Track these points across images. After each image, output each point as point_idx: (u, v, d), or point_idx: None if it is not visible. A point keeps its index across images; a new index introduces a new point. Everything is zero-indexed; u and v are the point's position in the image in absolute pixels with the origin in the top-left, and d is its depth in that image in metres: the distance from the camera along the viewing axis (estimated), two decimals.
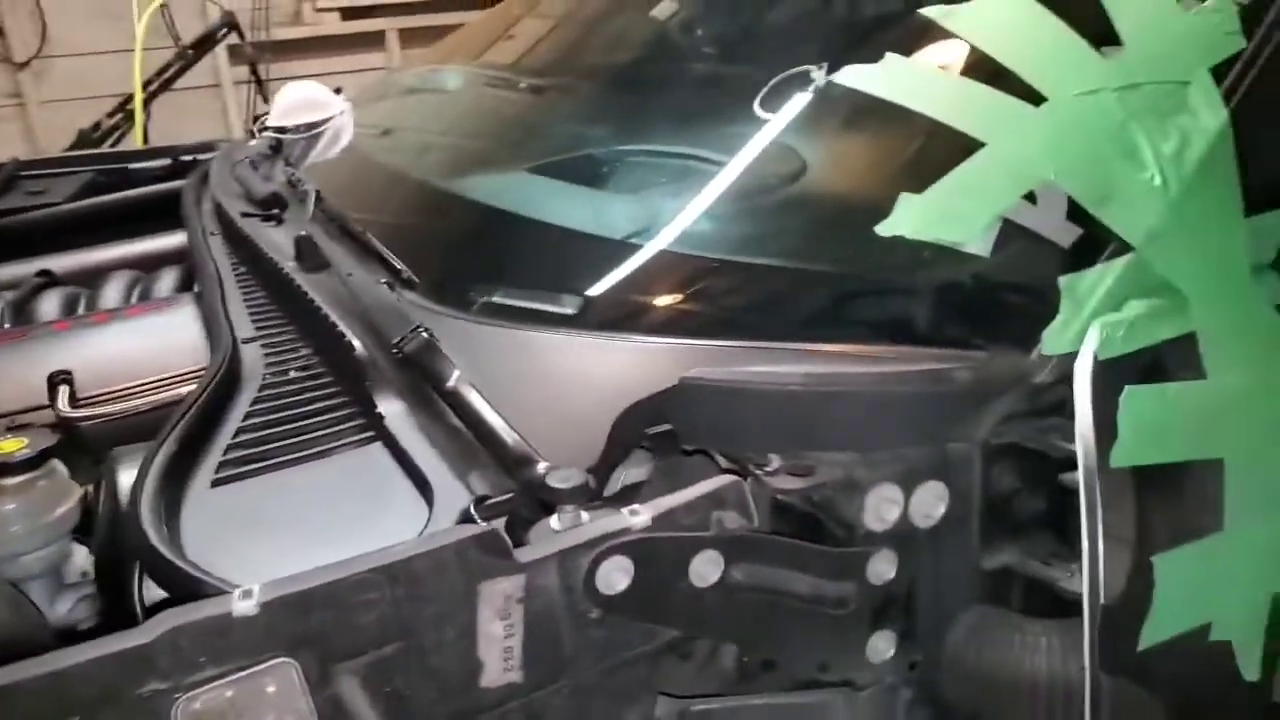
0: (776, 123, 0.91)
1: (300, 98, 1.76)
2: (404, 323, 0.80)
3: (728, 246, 0.85)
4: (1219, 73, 0.79)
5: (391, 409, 0.75)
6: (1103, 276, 0.72)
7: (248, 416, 0.79)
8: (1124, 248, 0.72)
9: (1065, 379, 0.68)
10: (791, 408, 0.69)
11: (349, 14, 4.54)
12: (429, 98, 1.58)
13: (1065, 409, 0.69)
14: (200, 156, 1.75)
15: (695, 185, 0.89)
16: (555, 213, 0.94)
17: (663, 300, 0.84)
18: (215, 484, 0.71)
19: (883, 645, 0.73)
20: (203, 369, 0.95)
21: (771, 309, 0.79)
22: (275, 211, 1.23)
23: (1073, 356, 0.68)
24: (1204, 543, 0.68)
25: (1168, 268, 0.72)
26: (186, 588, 0.58)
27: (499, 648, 0.60)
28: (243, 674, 0.53)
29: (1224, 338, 0.71)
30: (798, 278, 0.80)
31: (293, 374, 0.86)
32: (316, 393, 0.82)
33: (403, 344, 0.78)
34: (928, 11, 0.88)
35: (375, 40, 4.60)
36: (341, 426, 0.77)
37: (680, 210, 0.87)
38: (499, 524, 0.59)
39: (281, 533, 0.66)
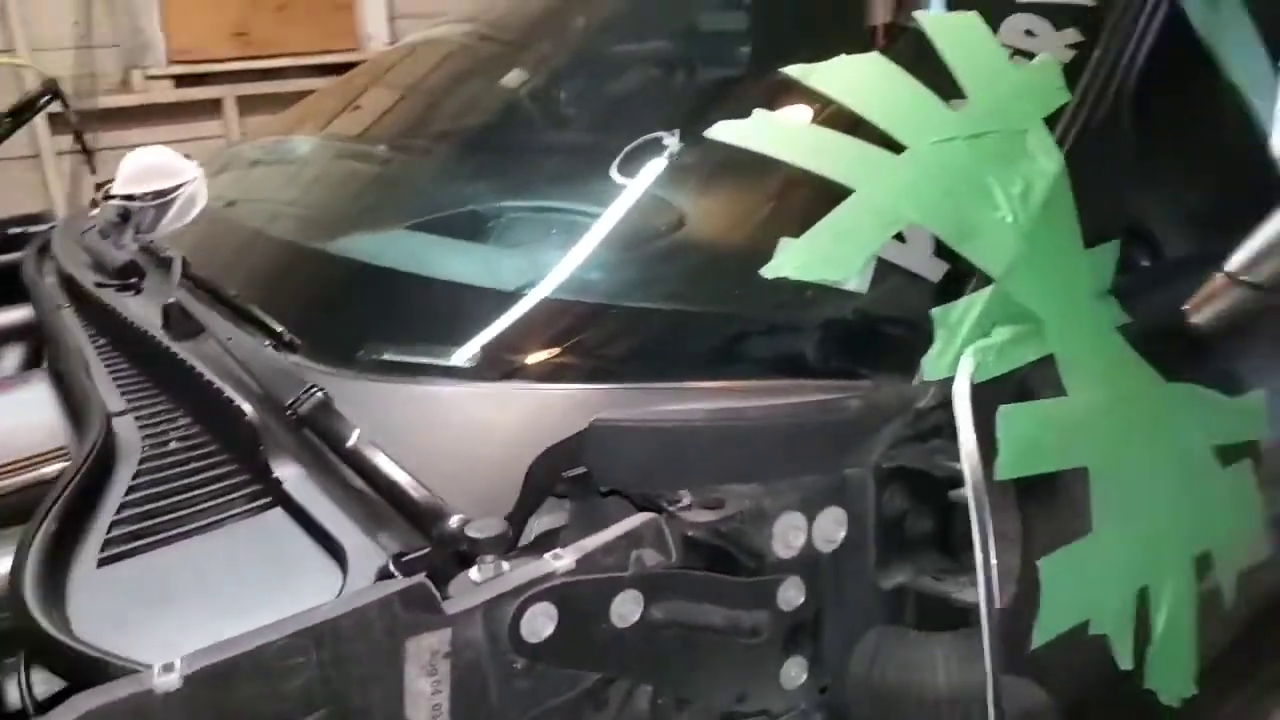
0: (658, 178, 0.95)
1: (148, 164, 1.69)
2: (296, 384, 0.78)
3: (621, 293, 0.88)
4: (1051, 122, 0.87)
5: (289, 473, 0.73)
6: (970, 307, 0.77)
7: (130, 491, 0.75)
8: (986, 280, 0.79)
9: (946, 402, 0.73)
10: (699, 443, 0.71)
11: (183, 81, 4.39)
12: (292, 163, 1.55)
13: (945, 430, 0.74)
14: (31, 229, 1.66)
15: (582, 237, 0.91)
16: (442, 268, 0.95)
17: (562, 347, 0.85)
18: (102, 563, 0.67)
19: (795, 671, 0.75)
20: (62, 449, 0.90)
21: (668, 351, 0.81)
22: (133, 280, 1.18)
23: (950, 381, 0.73)
24: (1076, 545, 0.74)
25: (1025, 296, 0.79)
26: (89, 671, 0.54)
27: (427, 705, 0.59)
28: None
29: (1076, 358, 0.78)
30: (691, 320, 0.83)
31: (173, 445, 0.82)
32: (202, 462, 0.79)
33: (297, 405, 0.76)
34: (789, 70, 0.94)
35: (211, 108, 4.45)
36: (234, 495, 0.74)
37: (568, 261, 0.89)
38: (422, 578, 0.59)
39: (183, 607, 0.62)
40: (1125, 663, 0.76)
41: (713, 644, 0.70)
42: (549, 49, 1.55)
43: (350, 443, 0.73)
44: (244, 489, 0.75)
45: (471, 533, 0.63)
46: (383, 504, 0.70)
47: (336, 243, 1.10)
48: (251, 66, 4.43)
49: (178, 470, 0.78)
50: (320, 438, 0.75)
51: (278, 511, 0.72)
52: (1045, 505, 0.74)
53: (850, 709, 0.79)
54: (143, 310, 1.06)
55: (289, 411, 0.76)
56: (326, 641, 0.54)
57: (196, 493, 0.74)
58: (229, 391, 0.80)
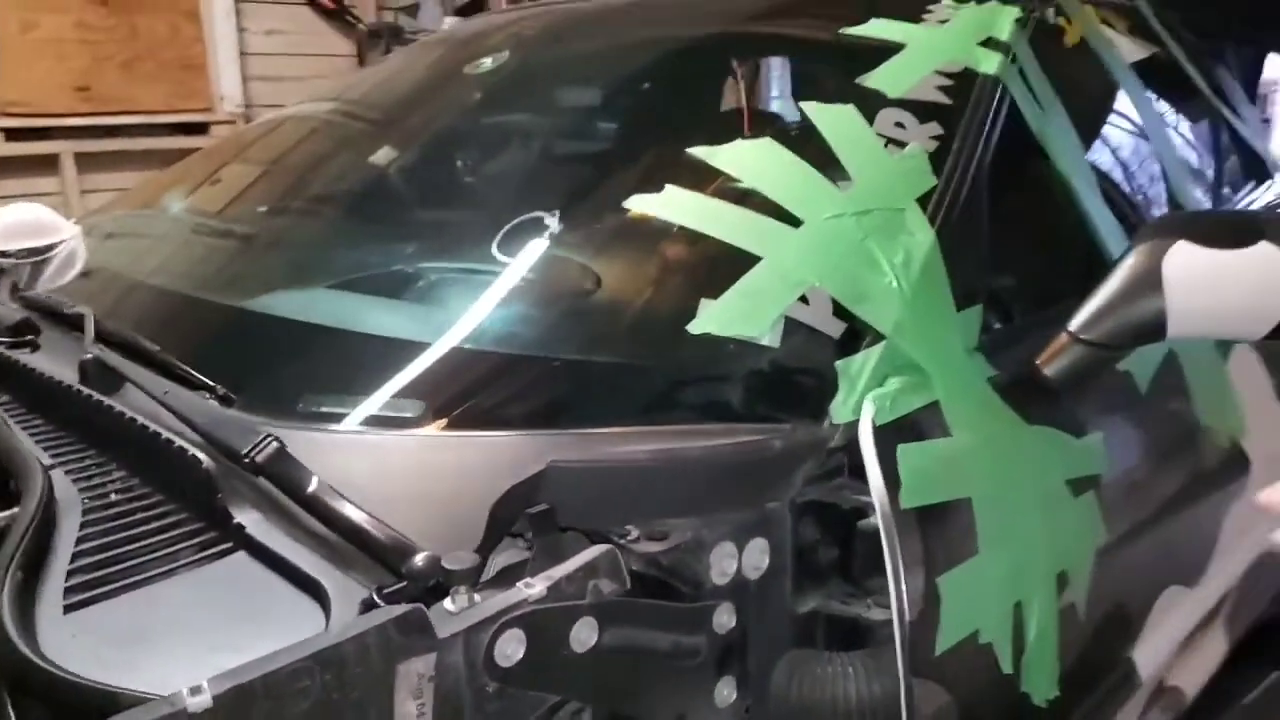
0: (573, 245, 1.04)
1: (21, 220, 1.65)
2: (248, 433, 0.81)
3: (561, 347, 0.95)
4: (923, 202, 1.01)
5: (251, 518, 0.76)
6: (867, 359, 0.89)
7: (80, 542, 0.75)
8: (879, 336, 0.90)
9: (852, 442, 0.83)
10: (645, 481, 0.79)
11: (16, 135, 4.18)
12: (190, 222, 1.55)
13: (849, 468, 0.85)
14: None
15: (514, 295, 0.98)
16: (376, 324, 0.99)
17: (507, 397, 0.92)
18: (68, 609, 0.68)
19: (727, 691, 0.82)
20: None
21: (608, 399, 0.89)
22: (29, 338, 1.16)
23: (855, 424, 0.84)
24: (966, 565, 0.85)
25: (911, 351, 0.91)
26: (91, 703, 0.56)
27: None
28: None
29: (955, 404, 0.91)
30: (630, 370, 0.92)
31: (114, 496, 0.83)
32: (149, 512, 0.80)
33: (254, 454, 0.79)
34: (695, 151, 1.06)
35: (47, 164, 4.25)
36: (191, 541, 0.76)
37: (500, 316, 0.96)
38: (419, 605, 0.63)
39: (165, 646, 0.64)
40: (1007, 667, 0.87)
41: (657, 666, 0.76)
42: (422, 128, 1.62)
43: (311, 489, 0.77)
44: (199, 536, 0.77)
45: (447, 564, 0.68)
46: (347, 546, 0.74)
47: (259, 300, 1.12)
48: (94, 123, 4.27)
49: (125, 520, 0.78)
50: (278, 485, 0.78)
51: (241, 556, 0.74)
52: (942, 530, 0.85)
53: None
54: (51, 367, 1.05)
55: (246, 459, 0.79)
56: (331, 665, 0.58)
57: (148, 541, 0.75)
58: (180, 441, 0.82)
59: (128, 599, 0.69)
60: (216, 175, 1.69)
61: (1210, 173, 1.67)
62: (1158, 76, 1.53)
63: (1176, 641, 1.22)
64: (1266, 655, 1.76)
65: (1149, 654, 1.14)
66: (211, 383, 0.94)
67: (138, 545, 0.75)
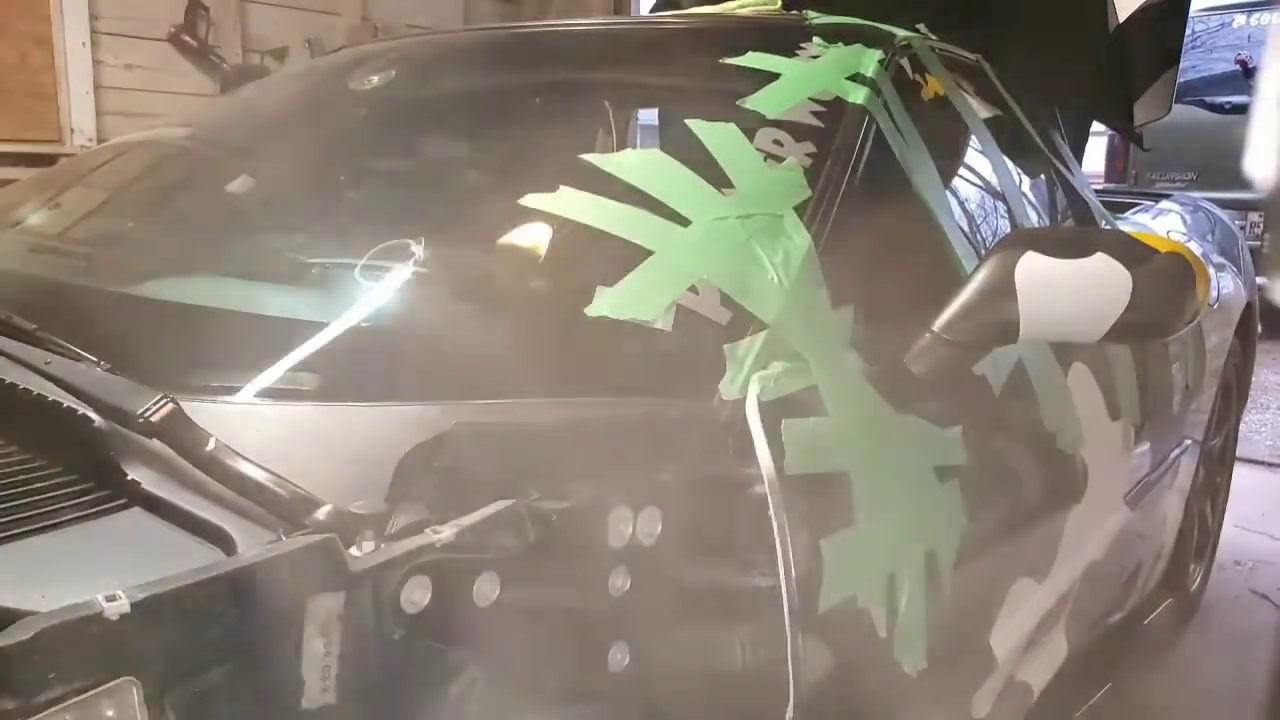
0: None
1: None
2: (141, 395, 0.79)
3: (470, 328, 0.97)
4: (800, 210, 1.09)
5: (148, 475, 0.74)
6: (752, 345, 0.94)
7: None
8: (761, 325, 0.96)
9: (739, 418, 0.88)
10: (548, 444, 0.81)
11: None
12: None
13: (739, 442, 0.89)
14: None
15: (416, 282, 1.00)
16: (272, 306, 0.99)
17: (405, 370, 0.93)
18: None
19: (620, 655, 0.84)
20: None
21: (515, 373, 0.91)
22: None
23: (742, 401, 0.89)
24: (844, 532, 0.91)
25: (791, 339, 0.97)
26: None
27: (319, 666, 0.63)
28: (86, 695, 0.51)
29: (832, 389, 0.97)
30: (538, 349, 0.94)
31: None
32: (28, 474, 0.77)
33: (148, 414, 0.77)
34: (588, 157, 1.11)
35: None
36: (79, 499, 0.73)
37: (403, 298, 0.98)
38: (332, 535, 0.63)
39: (56, 590, 0.62)
40: (882, 631, 0.93)
41: (556, 625, 0.78)
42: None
43: (209, 447, 0.76)
44: (87, 495, 0.74)
45: (355, 510, 0.68)
46: (248, 504, 0.73)
47: (145, 286, 1.09)
48: None
49: (2, 480, 0.75)
50: (173, 446, 0.77)
51: (135, 511, 0.72)
52: (821, 500, 0.90)
53: (659, 694, 0.89)
54: None
55: (140, 419, 0.77)
56: (243, 591, 0.57)
57: (34, 499, 0.72)
58: (68, 401, 0.79)
59: (4, 550, 0.66)
60: (63, 194, 1.63)
61: (1045, 211, 1.84)
62: (1002, 129, 1.70)
63: (1026, 633, 1.31)
64: (1100, 669, 1.91)
65: (1003, 641, 1.22)
66: (96, 359, 0.92)
67: (23, 501, 0.72)
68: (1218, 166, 5.35)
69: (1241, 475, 2.86)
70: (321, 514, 0.71)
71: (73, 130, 4.46)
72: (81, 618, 0.50)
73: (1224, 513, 2.73)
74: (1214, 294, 2.20)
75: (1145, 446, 1.73)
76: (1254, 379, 2.89)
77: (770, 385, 0.91)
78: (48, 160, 4.31)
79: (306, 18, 4.86)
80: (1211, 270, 2.24)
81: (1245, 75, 5.32)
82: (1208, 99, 5.56)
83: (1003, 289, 1.02)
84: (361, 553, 0.68)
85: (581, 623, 0.80)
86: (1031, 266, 1.02)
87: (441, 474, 0.75)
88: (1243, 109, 5.33)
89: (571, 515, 0.80)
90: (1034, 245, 1.04)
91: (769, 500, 0.83)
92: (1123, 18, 2.19)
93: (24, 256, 1.32)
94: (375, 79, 1.60)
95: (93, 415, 0.78)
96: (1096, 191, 2.44)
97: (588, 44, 1.67)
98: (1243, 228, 4.93)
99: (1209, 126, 5.46)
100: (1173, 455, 1.97)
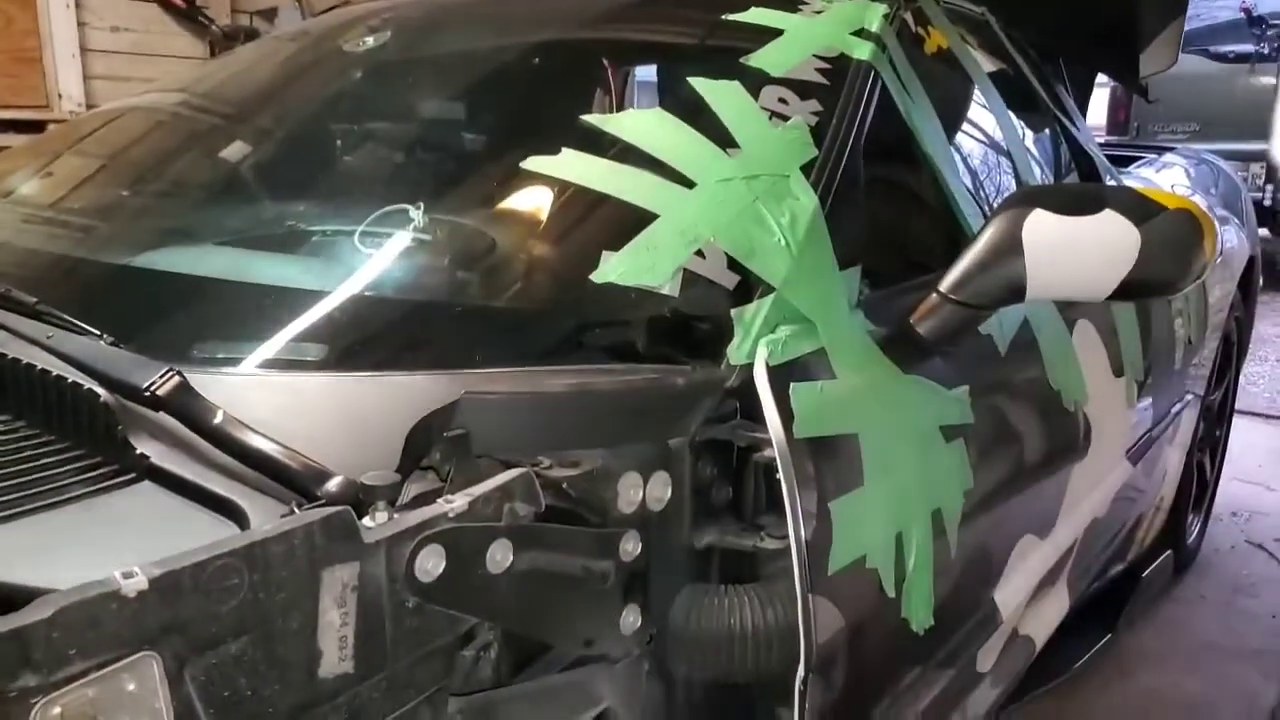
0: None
1: None
2: (147, 368, 0.79)
3: (472, 295, 0.97)
4: (806, 170, 1.08)
5: (156, 449, 0.74)
6: (759, 309, 0.94)
7: None
8: (769, 289, 0.96)
9: (748, 381, 0.88)
10: (557, 412, 0.81)
11: None
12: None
13: (743, 409, 0.89)
14: None
15: (425, 249, 0.99)
16: (277, 275, 0.98)
17: (425, 341, 0.93)
18: None
19: (632, 618, 0.85)
20: None
21: (522, 341, 0.91)
22: None
23: (750, 366, 0.89)
24: (853, 494, 0.91)
25: (799, 303, 0.96)
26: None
27: (335, 636, 0.63)
28: (106, 670, 0.51)
29: (839, 352, 0.97)
30: (544, 316, 0.94)
31: None
32: (36, 449, 0.77)
33: (154, 388, 0.77)
34: (589, 118, 1.10)
35: None
36: (88, 474, 0.73)
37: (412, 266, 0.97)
38: (345, 507, 0.63)
39: (69, 559, 0.62)
40: (891, 591, 0.93)
41: (567, 590, 0.79)
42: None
43: (216, 420, 0.75)
44: (96, 469, 0.74)
45: (367, 481, 0.68)
46: (258, 476, 0.73)
47: (144, 257, 1.08)
48: None
49: (11, 456, 0.75)
50: (181, 419, 0.76)
51: (146, 484, 0.72)
52: (832, 461, 0.90)
53: (669, 658, 0.89)
54: None
55: (146, 393, 0.77)
56: (258, 565, 0.58)
57: (44, 474, 0.72)
58: (74, 376, 0.78)
59: (17, 526, 0.66)
60: (56, 162, 1.61)
61: (1050, 167, 1.82)
62: (1006, 84, 1.68)
63: (1029, 589, 1.32)
64: (1099, 621, 1.93)
65: (1007, 596, 1.23)
66: (96, 330, 0.91)
67: (33, 478, 0.72)
68: (1221, 117, 5.31)
69: (1239, 426, 2.87)
70: (333, 485, 0.71)
71: (60, 95, 4.41)
72: (100, 595, 0.50)
73: (1222, 465, 2.75)
74: (1219, 248, 2.19)
75: (1147, 402, 1.73)
76: (1253, 331, 2.90)
77: (779, 349, 0.91)
78: (36, 126, 4.26)
79: None
80: (1217, 224, 2.23)
81: (1250, 24, 5.25)
82: (1211, 48, 5.49)
83: (1010, 248, 1.01)
84: (374, 523, 0.68)
85: (594, 587, 0.81)
86: (1039, 225, 1.01)
87: (453, 443, 0.75)
88: (1246, 58, 5.28)
89: (582, 483, 0.80)
90: (1041, 203, 1.03)
91: (778, 463, 0.83)
92: None
93: (20, 227, 1.31)
94: (370, 40, 1.57)
95: (98, 389, 0.77)
96: (1100, 145, 2.42)
97: (585, 2, 1.64)
98: (1245, 179, 4.91)
99: (1213, 76, 5.40)
100: (1174, 410, 1.98)
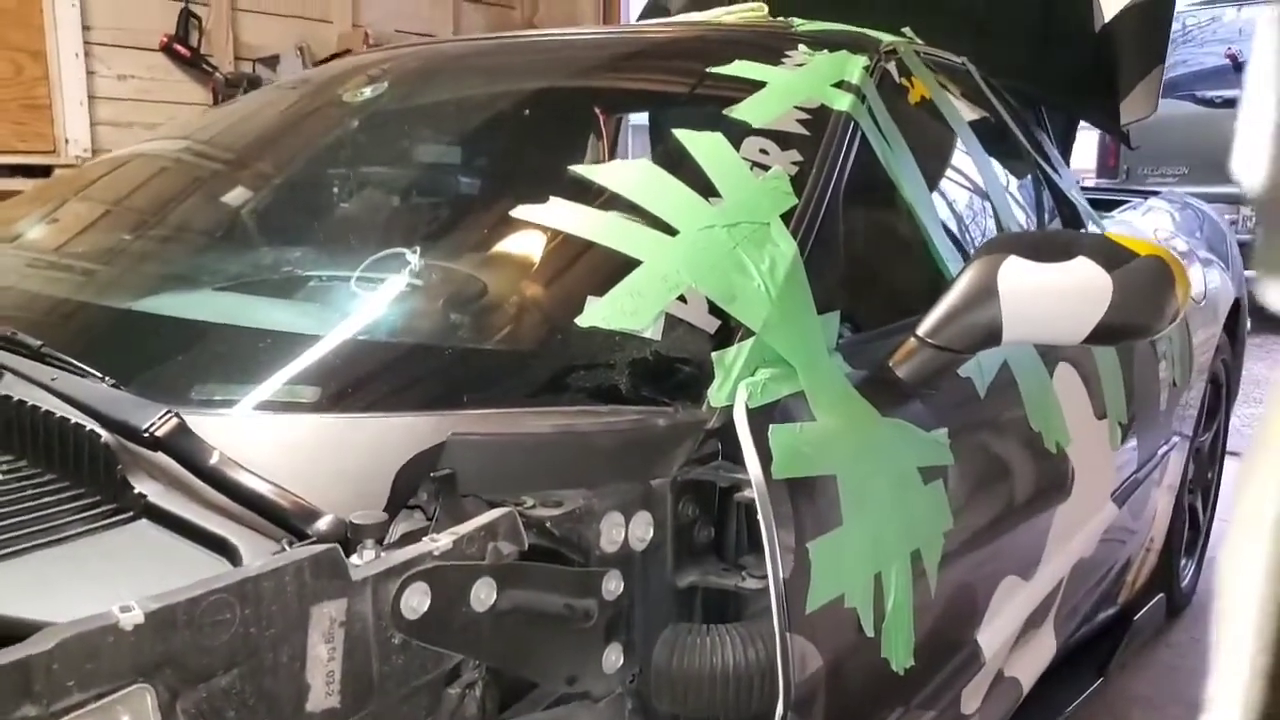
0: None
1: None
2: (145, 409, 0.81)
3: (465, 339, 1.00)
4: (785, 219, 1.11)
5: (154, 488, 0.76)
6: (739, 352, 0.97)
7: None
8: (749, 333, 0.98)
9: (728, 423, 0.91)
10: (541, 452, 0.83)
11: None
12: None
13: (724, 450, 0.92)
14: None
15: (416, 293, 1.02)
16: (272, 320, 1.01)
17: (409, 382, 0.95)
18: None
19: (614, 656, 0.86)
20: None
21: (508, 383, 0.94)
22: None
23: (730, 408, 0.91)
24: (831, 534, 0.93)
25: (778, 346, 0.99)
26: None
27: (323, 671, 0.65)
28: (103, 701, 0.53)
29: (818, 394, 0.99)
30: (530, 358, 0.97)
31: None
32: (37, 488, 0.79)
33: (153, 429, 0.80)
34: (577, 169, 1.13)
35: None
36: (88, 513, 0.76)
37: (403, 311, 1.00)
38: (334, 545, 0.65)
39: (74, 599, 0.64)
40: (870, 630, 0.95)
41: (551, 629, 0.80)
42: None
43: (213, 460, 0.78)
44: (95, 508, 0.77)
45: (355, 520, 0.71)
46: (252, 516, 0.75)
47: (147, 301, 1.12)
48: None
49: (13, 496, 0.77)
50: (179, 459, 0.79)
51: (143, 523, 0.74)
52: (808, 503, 0.92)
53: (651, 697, 0.91)
54: None
55: (145, 434, 0.79)
56: (249, 600, 0.60)
57: (43, 514, 0.75)
58: (74, 418, 0.81)
59: (17, 563, 0.69)
60: (63, 208, 1.65)
61: (1032, 213, 1.86)
62: (988, 132, 1.72)
63: (1013, 631, 1.33)
64: (1091, 665, 1.93)
65: (990, 637, 1.24)
66: (98, 372, 0.94)
67: (33, 516, 0.74)
68: (1209, 161, 5.38)
69: (1233, 469, 2.88)
70: (323, 524, 0.73)
71: (67, 141, 4.48)
72: (98, 628, 0.52)
73: (1216, 507, 2.75)
74: (1200, 291, 2.22)
75: (1132, 444, 1.75)
76: (1245, 372, 2.92)
77: (758, 392, 0.93)
78: (43, 171, 4.33)
79: (297, 25, 4.88)
80: (1198, 268, 2.27)
81: (1235, 69, 5.35)
82: (1198, 93, 5.59)
83: (986, 293, 1.04)
84: (362, 561, 0.70)
85: (577, 625, 0.82)
86: (1014, 271, 1.05)
87: (439, 484, 0.77)
88: (1233, 103, 5.36)
89: (565, 523, 0.82)
90: (1016, 250, 1.06)
91: (758, 504, 0.86)
92: (1108, 18, 2.22)
93: (25, 271, 1.34)
94: (368, 91, 1.62)
95: (99, 430, 0.80)
96: (1088, 188, 2.46)
97: (576, 54, 1.69)
98: (1233, 222, 4.96)
99: (1200, 121, 5.48)
100: (1161, 452, 1.99)
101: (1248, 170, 0.50)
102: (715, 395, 0.93)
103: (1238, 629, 0.49)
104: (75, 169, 3.34)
